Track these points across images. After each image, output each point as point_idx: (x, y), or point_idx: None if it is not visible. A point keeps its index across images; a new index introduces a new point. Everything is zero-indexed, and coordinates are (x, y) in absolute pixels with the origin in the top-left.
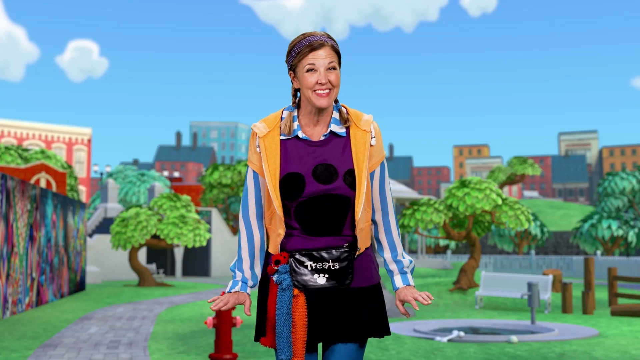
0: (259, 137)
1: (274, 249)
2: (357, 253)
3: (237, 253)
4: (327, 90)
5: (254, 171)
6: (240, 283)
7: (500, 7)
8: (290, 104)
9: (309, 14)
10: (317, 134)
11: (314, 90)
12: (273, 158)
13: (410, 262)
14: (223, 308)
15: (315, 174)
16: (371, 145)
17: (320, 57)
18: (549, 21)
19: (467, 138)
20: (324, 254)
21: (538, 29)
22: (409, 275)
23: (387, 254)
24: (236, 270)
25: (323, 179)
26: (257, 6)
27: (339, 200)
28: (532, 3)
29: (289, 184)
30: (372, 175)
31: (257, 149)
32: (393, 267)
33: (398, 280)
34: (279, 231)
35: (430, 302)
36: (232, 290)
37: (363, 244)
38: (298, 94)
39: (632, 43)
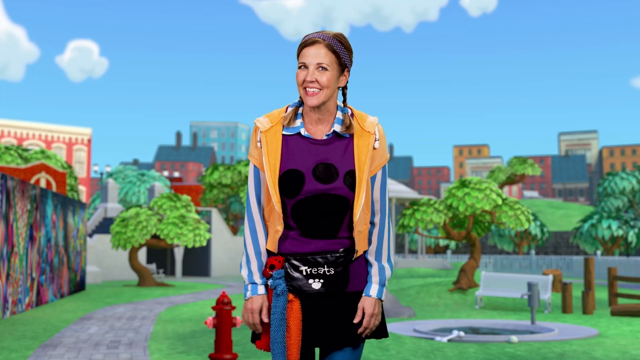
0: (260, 132)
1: (271, 245)
2: (355, 256)
3: (244, 251)
4: (315, 90)
5: (255, 166)
6: (250, 286)
7: (500, 7)
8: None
9: (309, 14)
10: (320, 132)
11: (304, 88)
12: (274, 153)
13: (390, 271)
14: (258, 329)
15: (315, 172)
16: (374, 148)
17: (310, 56)
18: (549, 21)
19: (467, 138)
20: (318, 259)
21: (538, 29)
22: (385, 289)
23: (372, 256)
24: (245, 274)
25: (323, 178)
26: (257, 6)
27: (337, 200)
28: (532, 3)
29: (288, 180)
30: (373, 178)
31: (258, 144)
32: (375, 272)
33: (374, 290)
34: (277, 227)
35: (364, 335)
36: (246, 298)
37: (361, 247)
38: None
39: (632, 43)
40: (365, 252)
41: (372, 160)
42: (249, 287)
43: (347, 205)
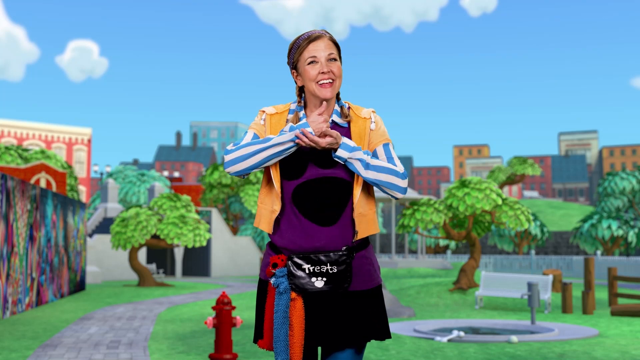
0: (266, 114)
1: (267, 225)
2: (355, 239)
3: (254, 147)
4: (330, 80)
5: (254, 133)
6: (288, 132)
7: (500, 7)
8: (296, 102)
9: (309, 14)
10: None
11: (317, 82)
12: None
13: (363, 156)
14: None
15: (316, 159)
16: (371, 130)
17: (320, 49)
18: (549, 21)
19: (467, 138)
20: (322, 257)
21: (538, 29)
22: (350, 153)
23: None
24: (279, 139)
25: (323, 163)
26: (257, 6)
27: (337, 183)
28: (532, 3)
29: (290, 164)
30: (375, 151)
31: (262, 122)
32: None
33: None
34: (274, 207)
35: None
36: (296, 130)
37: (361, 229)
38: (303, 94)
39: (632, 43)
40: (366, 249)
41: (370, 142)
42: (288, 133)
43: (347, 188)
